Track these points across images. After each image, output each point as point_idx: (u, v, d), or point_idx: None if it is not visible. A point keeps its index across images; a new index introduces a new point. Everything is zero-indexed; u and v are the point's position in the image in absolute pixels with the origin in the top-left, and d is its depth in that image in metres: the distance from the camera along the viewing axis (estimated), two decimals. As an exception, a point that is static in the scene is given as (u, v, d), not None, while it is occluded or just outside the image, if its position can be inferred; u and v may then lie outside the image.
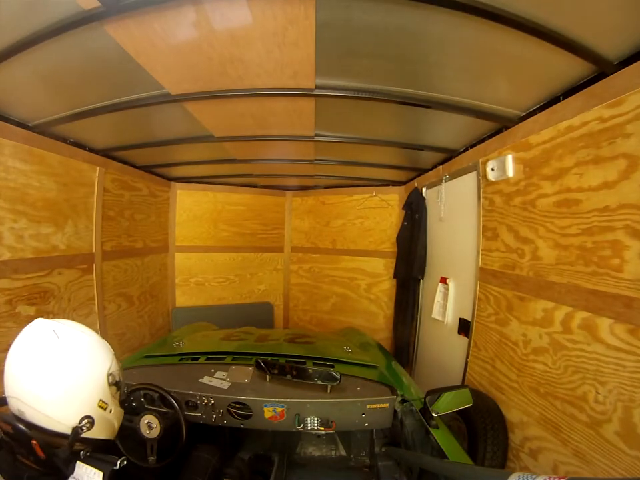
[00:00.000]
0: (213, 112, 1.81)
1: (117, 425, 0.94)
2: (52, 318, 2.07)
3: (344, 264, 3.90)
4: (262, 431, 1.73)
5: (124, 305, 2.86)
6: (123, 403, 0.97)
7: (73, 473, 0.80)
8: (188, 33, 1.15)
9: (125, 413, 1.00)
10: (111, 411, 0.89)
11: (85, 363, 0.84)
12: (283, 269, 4.29)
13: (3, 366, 0.78)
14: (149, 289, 3.29)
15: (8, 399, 0.79)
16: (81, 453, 0.82)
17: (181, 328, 2.73)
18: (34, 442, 0.76)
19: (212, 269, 3.91)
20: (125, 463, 0.83)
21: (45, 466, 0.80)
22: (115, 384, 0.90)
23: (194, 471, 1.08)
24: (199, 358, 1.72)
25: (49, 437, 0.77)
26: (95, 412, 0.83)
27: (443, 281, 2.52)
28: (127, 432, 1.08)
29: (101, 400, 0.85)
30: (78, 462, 0.81)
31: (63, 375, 0.79)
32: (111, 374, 0.88)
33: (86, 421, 0.80)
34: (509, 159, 1.75)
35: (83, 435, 0.80)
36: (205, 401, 1.36)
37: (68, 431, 0.78)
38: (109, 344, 0.94)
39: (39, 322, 0.85)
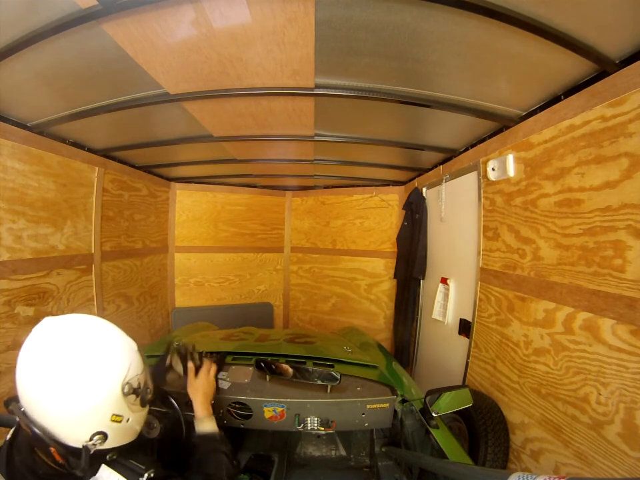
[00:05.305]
0: (212, 111, 1.81)
1: (139, 427, 0.88)
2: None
3: (344, 264, 3.89)
4: (262, 431, 1.73)
5: (123, 305, 2.85)
6: (147, 402, 0.89)
7: (95, 474, 0.76)
8: (187, 31, 1.15)
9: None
10: (128, 420, 0.80)
11: (94, 379, 0.74)
12: (282, 269, 4.28)
13: (2, 367, 0.75)
14: (149, 290, 3.29)
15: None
16: (107, 456, 0.78)
17: (181, 328, 2.72)
18: (52, 449, 0.72)
19: (211, 269, 3.91)
20: (152, 475, 0.79)
21: (63, 467, 0.75)
22: (133, 392, 0.80)
23: (214, 467, 1.04)
24: None
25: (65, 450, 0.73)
26: (107, 427, 0.76)
27: (444, 281, 2.51)
28: None
29: (114, 414, 0.77)
30: (103, 465, 0.77)
31: (68, 394, 0.71)
32: (127, 383, 0.78)
33: (97, 437, 0.74)
34: (510, 158, 1.74)
35: (100, 447, 0.75)
36: None
37: (80, 446, 0.73)
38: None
39: (48, 323, 0.77)
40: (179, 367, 1.22)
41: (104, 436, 0.75)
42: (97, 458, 0.76)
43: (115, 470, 0.77)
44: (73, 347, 0.75)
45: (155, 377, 1.18)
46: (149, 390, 0.88)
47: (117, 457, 0.80)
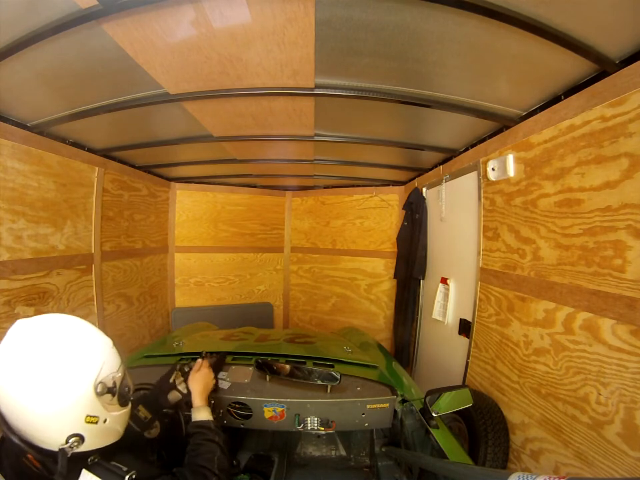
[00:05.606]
0: (212, 111, 1.81)
1: (121, 427, 0.86)
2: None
3: (344, 264, 3.89)
4: (262, 431, 1.73)
5: (123, 305, 2.85)
6: (127, 401, 0.87)
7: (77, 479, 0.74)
8: (187, 31, 1.15)
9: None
10: (105, 421, 0.78)
11: (62, 379, 0.71)
12: (282, 269, 4.28)
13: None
14: (149, 290, 3.29)
15: None
16: (89, 459, 0.76)
17: (181, 328, 2.73)
18: (29, 456, 0.71)
19: (211, 269, 3.91)
20: (134, 477, 0.77)
21: (44, 471, 0.74)
22: (108, 391, 0.78)
23: (204, 459, 1.04)
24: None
25: (41, 455, 0.72)
26: (83, 428, 0.73)
27: (444, 281, 2.51)
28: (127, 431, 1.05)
29: (88, 415, 0.74)
30: (84, 469, 0.74)
31: (36, 395, 0.69)
32: (100, 382, 0.75)
33: (73, 439, 0.71)
34: (510, 158, 1.74)
35: (78, 450, 0.72)
36: None
37: (57, 449, 0.70)
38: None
39: (19, 326, 0.74)
40: (182, 386, 1.23)
41: (80, 438, 0.72)
42: (77, 461, 0.74)
43: (96, 474, 0.75)
44: (39, 347, 0.72)
45: (158, 395, 1.20)
46: (127, 389, 0.85)
47: (99, 460, 0.78)
